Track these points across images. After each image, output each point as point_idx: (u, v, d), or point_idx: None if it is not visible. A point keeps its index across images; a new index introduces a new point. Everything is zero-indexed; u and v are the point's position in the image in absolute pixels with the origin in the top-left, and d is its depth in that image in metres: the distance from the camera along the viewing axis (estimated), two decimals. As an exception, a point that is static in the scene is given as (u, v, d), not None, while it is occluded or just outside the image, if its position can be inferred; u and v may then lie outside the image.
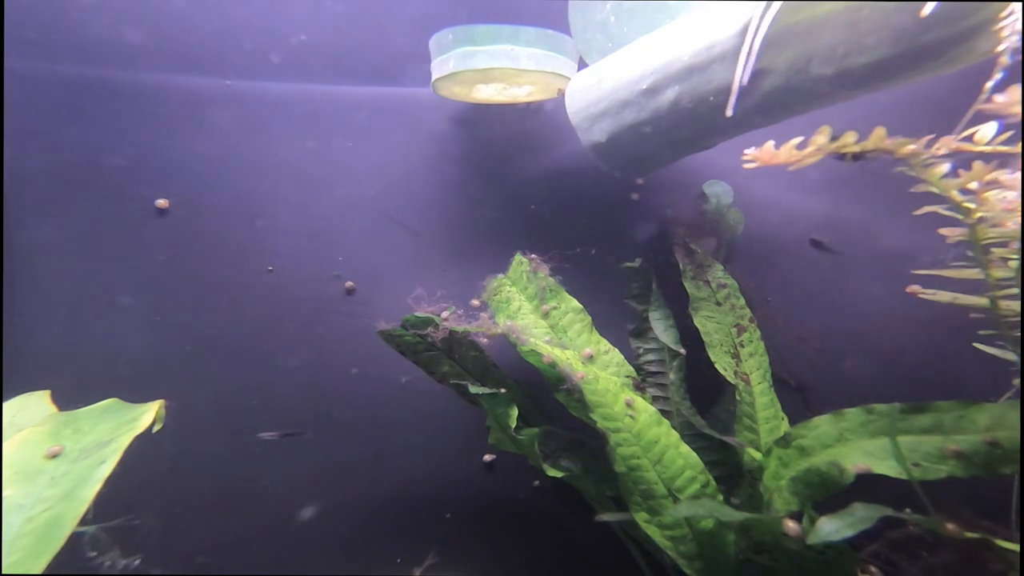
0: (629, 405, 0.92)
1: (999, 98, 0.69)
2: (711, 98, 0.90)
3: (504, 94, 1.24)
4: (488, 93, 1.23)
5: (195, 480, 1.14)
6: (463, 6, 1.30)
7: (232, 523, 1.14)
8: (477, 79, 1.15)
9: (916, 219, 0.83)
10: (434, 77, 1.12)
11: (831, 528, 0.66)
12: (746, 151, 0.81)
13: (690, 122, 0.97)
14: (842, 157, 0.76)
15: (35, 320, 1.11)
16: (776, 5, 0.77)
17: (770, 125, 0.94)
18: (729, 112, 0.82)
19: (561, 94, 1.16)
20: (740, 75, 0.80)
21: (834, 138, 0.75)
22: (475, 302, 1.18)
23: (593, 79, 1.09)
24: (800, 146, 0.77)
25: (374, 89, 1.28)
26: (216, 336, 1.17)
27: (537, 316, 1.12)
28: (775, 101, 0.87)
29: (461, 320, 1.03)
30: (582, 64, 1.17)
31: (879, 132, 0.73)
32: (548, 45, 1.08)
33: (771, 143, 0.79)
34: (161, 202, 1.13)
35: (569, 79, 1.14)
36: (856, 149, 0.74)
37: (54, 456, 0.77)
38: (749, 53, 0.79)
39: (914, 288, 0.91)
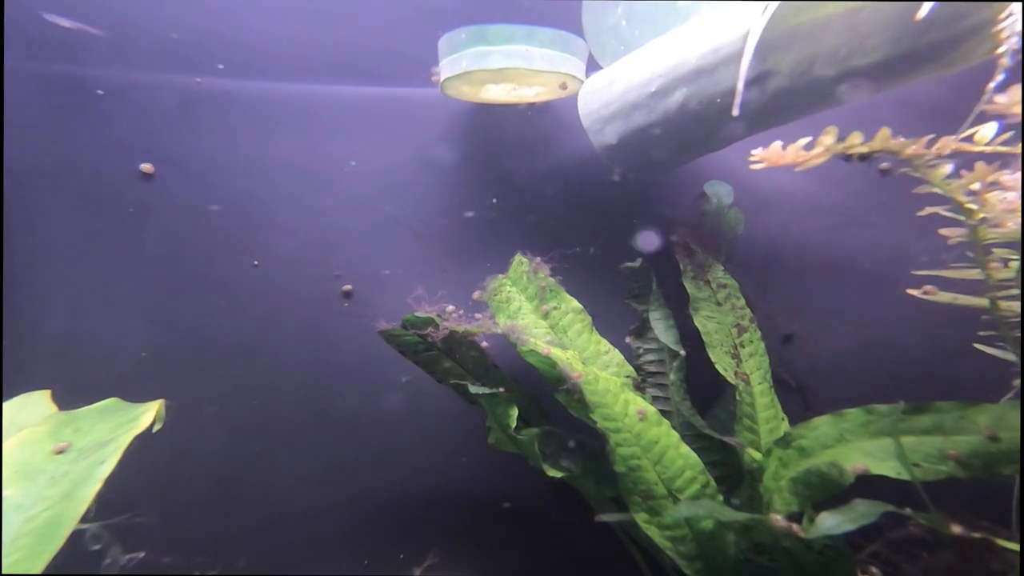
0: (642, 417, 0.92)
1: (999, 99, 0.69)
2: (718, 100, 0.91)
3: (512, 94, 1.24)
4: (497, 93, 1.23)
5: (195, 480, 1.14)
6: (463, 6, 1.30)
7: (232, 523, 1.14)
8: (489, 79, 1.15)
9: (917, 219, 0.83)
10: (445, 76, 1.12)
11: (832, 522, 0.66)
12: (753, 151, 0.81)
13: (698, 124, 0.97)
14: (848, 158, 0.76)
15: (35, 320, 1.11)
16: (773, 6, 0.77)
17: (777, 127, 0.94)
18: (735, 112, 0.82)
19: (564, 88, 1.16)
20: (743, 77, 0.80)
21: (840, 139, 0.75)
22: (476, 294, 1.18)
23: (604, 82, 1.09)
24: (807, 147, 0.77)
25: (374, 89, 1.28)
26: (216, 336, 1.17)
27: (537, 316, 1.12)
28: (781, 102, 0.88)
29: (461, 320, 1.03)
30: (594, 66, 1.18)
31: (884, 133, 0.73)
32: (561, 46, 1.09)
33: (778, 143, 0.79)
34: (146, 167, 1.12)
35: (580, 80, 1.14)
36: (863, 150, 0.74)
37: (60, 452, 0.77)
38: (749, 54, 0.79)
39: (927, 288, 0.91)
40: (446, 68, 1.12)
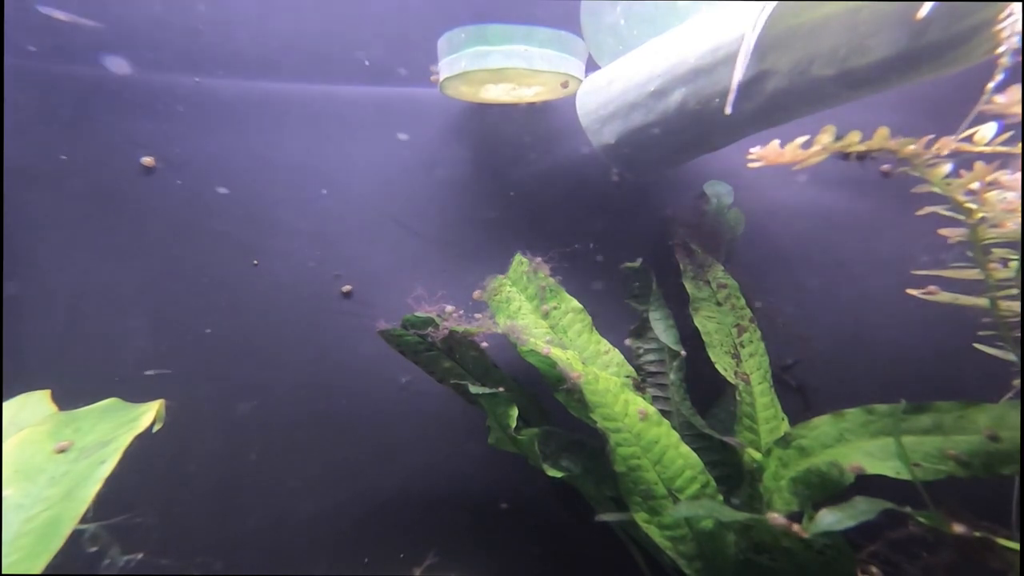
0: (642, 417, 0.92)
1: (999, 99, 0.69)
2: (717, 100, 0.91)
3: (511, 94, 1.24)
4: (496, 93, 1.23)
5: (195, 480, 1.14)
6: (464, 6, 1.30)
7: (232, 523, 1.14)
8: (488, 79, 1.15)
9: (917, 219, 0.83)
10: (444, 76, 1.12)
11: (832, 519, 0.66)
12: (751, 150, 0.81)
13: (697, 124, 0.97)
14: (846, 157, 0.76)
15: (35, 320, 1.11)
16: (771, 5, 0.77)
17: (776, 126, 0.94)
18: (728, 110, 0.82)
19: (566, 87, 1.16)
20: (738, 75, 0.80)
21: (838, 138, 0.75)
22: (476, 294, 1.18)
23: (603, 81, 1.10)
24: (805, 145, 0.78)
25: (374, 89, 1.28)
26: (216, 336, 1.17)
27: (537, 316, 1.12)
28: (779, 102, 0.88)
29: (461, 320, 1.03)
30: (593, 67, 1.18)
31: (882, 132, 0.73)
32: (561, 46, 1.09)
33: (776, 142, 0.79)
34: (147, 160, 1.11)
35: (580, 80, 1.14)
36: (860, 149, 0.74)
37: (62, 451, 0.77)
38: (745, 53, 0.79)
39: (930, 288, 0.90)
40: (445, 68, 1.12)
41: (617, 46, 1.16)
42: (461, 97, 1.24)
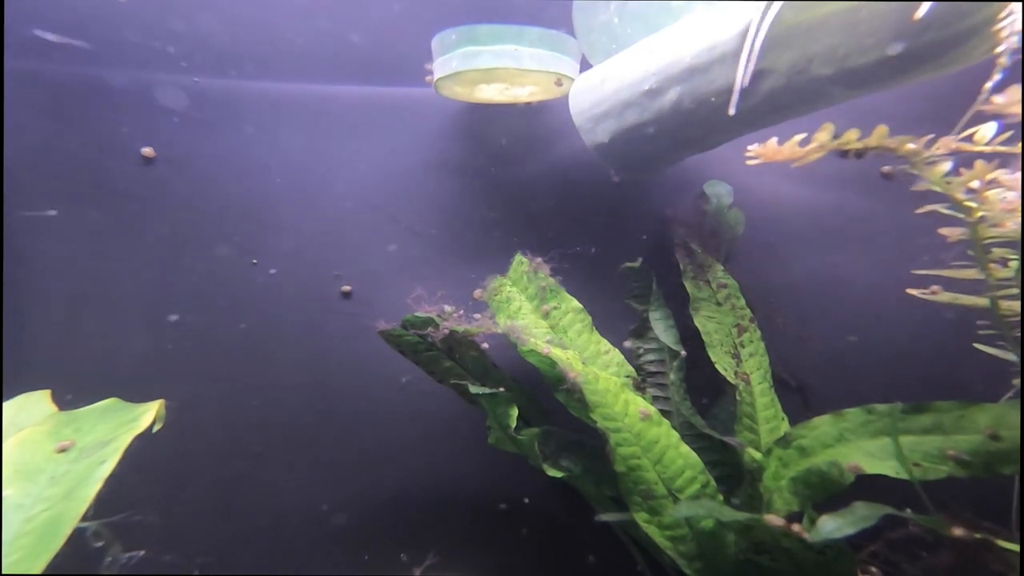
0: (643, 417, 0.92)
1: (998, 98, 0.69)
2: (713, 99, 0.91)
3: (506, 94, 1.24)
4: (490, 93, 1.23)
5: (195, 480, 1.14)
6: (463, 6, 1.30)
7: (232, 523, 1.14)
8: (480, 79, 1.15)
9: (916, 218, 0.83)
10: (437, 76, 1.12)
11: (833, 526, 0.66)
12: (749, 148, 0.81)
13: (692, 123, 0.97)
14: (844, 154, 0.76)
15: (35, 320, 1.11)
16: (776, 5, 0.77)
17: (773, 125, 0.94)
18: (731, 111, 0.82)
19: (560, 85, 1.16)
20: (741, 75, 0.80)
21: (836, 136, 0.75)
22: (476, 294, 1.18)
23: (596, 80, 1.09)
24: (803, 143, 0.78)
25: (374, 89, 1.28)
26: (216, 336, 1.17)
27: (537, 316, 1.12)
28: (777, 101, 0.88)
29: (461, 320, 1.03)
30: (586, 65, 1.17)
31: (881, 130, 0.73)
32: (551, 45, 1.09)
33: (774, 140, 0.79)
34: (147, 151, 1.12)
35: (572, 79, 1.14)
36: (858, 146, 0.74)
37: (63, 450, 0.77)
38: (750, 53, 0.79)
39: (933, 288, 0.90)
40: (438, 68, 1.12)
41: (610, 45, 1.16)
42: (456, 97, 1.24)
